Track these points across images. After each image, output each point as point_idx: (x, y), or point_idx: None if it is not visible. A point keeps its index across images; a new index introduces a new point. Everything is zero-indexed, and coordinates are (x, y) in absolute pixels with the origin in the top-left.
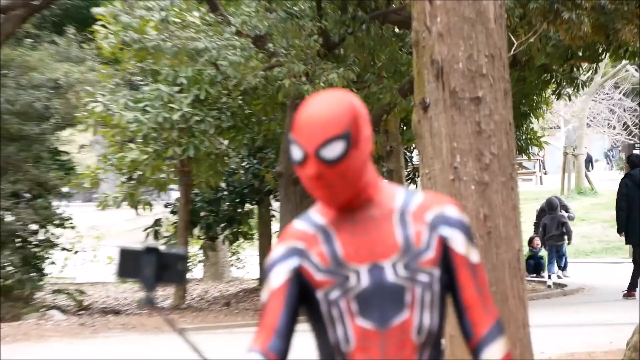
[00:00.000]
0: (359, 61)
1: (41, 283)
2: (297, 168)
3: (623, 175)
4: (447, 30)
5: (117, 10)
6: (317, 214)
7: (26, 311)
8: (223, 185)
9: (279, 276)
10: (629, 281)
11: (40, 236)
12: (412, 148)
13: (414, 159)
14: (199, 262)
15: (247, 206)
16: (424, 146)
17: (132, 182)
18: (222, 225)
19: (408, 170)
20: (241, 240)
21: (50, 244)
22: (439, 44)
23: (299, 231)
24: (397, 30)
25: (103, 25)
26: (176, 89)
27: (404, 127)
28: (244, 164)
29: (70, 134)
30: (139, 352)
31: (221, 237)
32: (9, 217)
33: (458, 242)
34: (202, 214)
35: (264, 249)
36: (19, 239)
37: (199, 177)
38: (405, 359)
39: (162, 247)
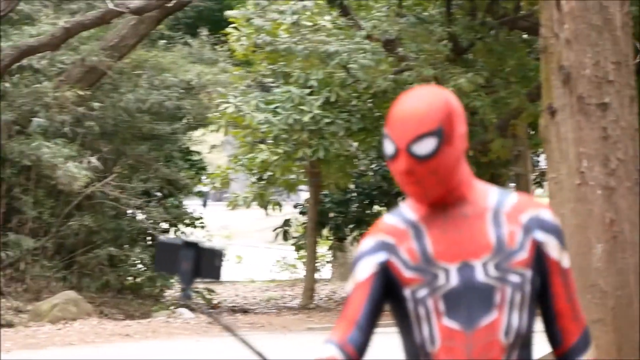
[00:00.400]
0: (487, 66)
1: (171, 281)
2: (389, 163)
3: None
4: (575, 37)
5: (250, 13)
6: (409, 209)
7: (156, 309)
8: (352, 186)
9: (366, 269)
10: None
11: (171, 235)
12: (539, 152)
13: (540, 163)
14: (327, 262)
15: (376, 208)
16: (551, 150)
17: (262, 182)
18: (351, 226)
19: (535, 174)
20: None
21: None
22: (566, 50)
23: (390, 226)
24: (525, 36)
25: (236, 28)
26: (307, 91)
27: (532, 132)
28: (373, 165)
29: (202, 134)
30: (265, 351)
31: (349, 238)
32: (140, 216)
33: (553, 248)
34: (331, 215)
35: None
36: (150, 238)
37: (328, 179)
38: (494, 358)
39: (200, 242)
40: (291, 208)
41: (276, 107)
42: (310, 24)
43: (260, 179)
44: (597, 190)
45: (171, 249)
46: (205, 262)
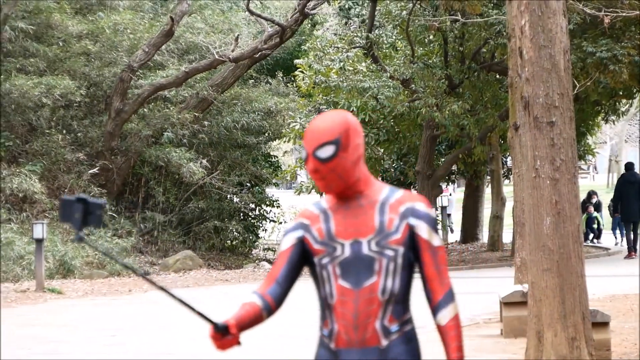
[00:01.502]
0: (472, 97)
1: (256, 243)
2: (305, 164)
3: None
4: (532, 76)
5: (311, 61)
6: (324, 201)
7: (246, 262)
8: (379, 178)
9: (287, 242)
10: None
11: (256, 212)
12: (507, 155)
13: (508, 163)
14: None
15: None
16: (515, 154)
17: None
18: None
19: (504, 170)
20: None
21: (263, 217)
22: (526, 85)
23: (308, 212)
24: (498, 76)
25: (301, 71)
26: (351, 112)
27: (502, 141)
28: (393, 165)
29: (278, 144)
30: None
31: None
32: (235, 199)
33: (422, 230)
34: None
35: None
36: (242, 214)
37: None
38: (372, 311)
39: (88, 198)
40: None
41: None
42: (351, 68)
43: None
44: (547, 181)
45: (68, 204)
46: (91, 213)
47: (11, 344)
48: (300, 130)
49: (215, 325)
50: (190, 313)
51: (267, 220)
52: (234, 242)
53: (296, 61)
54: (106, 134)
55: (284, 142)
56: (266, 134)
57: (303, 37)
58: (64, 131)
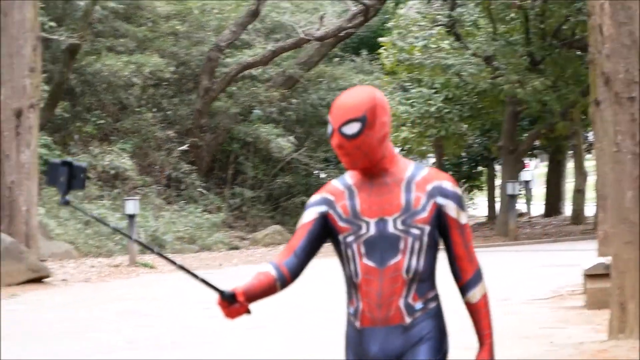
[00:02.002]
0: (553, 73)
1: None
2: (330, 140)
3: None
4: (612, 52)
5: (395, 39)
6: (349, 177)
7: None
8: (463, 154)
9: (309, 215)
10: None
11: None
12: (588, 130)
13: (589, 138)
14: None
15: (479, 168)
16: (597, 129)
17: (403, 152)
18: (463, 180)
19: (585, 145)
20: (475, 191)
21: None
22: (606, 61)
23: (333, 187)
24: (579, 52)
25: (385, 49)
26: (433, 91)
27: (583, 117)
28: (477, 140)
29: None
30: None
31: (462, 188)
32: (322, 175)
33: (451, 209)
34: (450, 173)
35: (491, 196)
36: None
37: (447, 149)
38: (396, 290)
39: (73, 161)
40: None
41: (412, 102)
42: (434, 46)
43: (402, 150)
44: (628, 155)
45: (54, 168)
46: (75, 177)
47: (109, 318)
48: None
49: (222, 293)
50: (195, 281)
51: None
52: None
53: (380, 39)
54: (195, 111)
55: None
56: None
57: (387, 16)
58: (154, 109)
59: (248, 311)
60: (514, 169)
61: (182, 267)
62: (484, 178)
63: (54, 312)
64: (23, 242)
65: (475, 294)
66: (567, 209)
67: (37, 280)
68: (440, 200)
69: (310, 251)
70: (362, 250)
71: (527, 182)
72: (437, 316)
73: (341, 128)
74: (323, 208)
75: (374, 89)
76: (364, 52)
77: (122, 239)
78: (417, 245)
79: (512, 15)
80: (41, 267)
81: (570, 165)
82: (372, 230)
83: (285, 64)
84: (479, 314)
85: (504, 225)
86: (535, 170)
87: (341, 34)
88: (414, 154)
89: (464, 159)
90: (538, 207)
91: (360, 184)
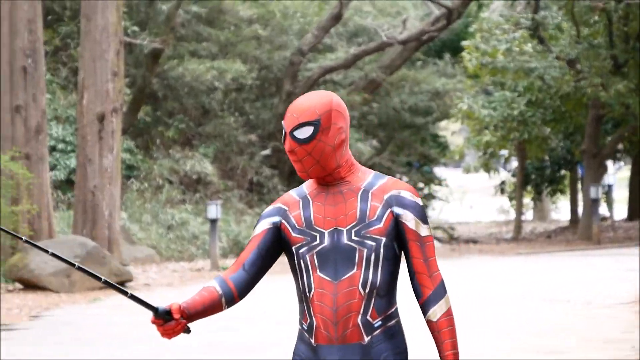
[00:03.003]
0: (636, 76)
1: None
2: (282, 143)
3: None
4: None
5: (478, 42)
6: (306, 186)
7: None
8: (546, 157)
9: (261, 227)
10: None
11: (425, 191)
12: None
13: None
14: (530, 208)
15: (562, 172)
16: None
17: (486, 155)
18: (545, 184)
19: None
20: (558, 194)
21: (432, 196)
22: None
23: (288, 196)
24: None
25: (468, 52)
26: (515, 94)
27: None
28: (560, 143)
29: (446, 124)
30: (488, 268)
31: (545, 192)
32: (404, 179)
33: (408, 220)
34: (532, 176)
35: (574, 199)
36: None
37: (530, 152)
38: (353, 306)
39: None
40: (505, 173)
41: (495, 105)
42: (517, 49)
43: (484, 153)
44: None
45: None
46: None
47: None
48: (468, 110)
49: (155, 310)
50: (129, 300)
51: (436, 199)
52: None
53: (463, 42)
54: (277, 115)
55: (452, 122)
56: (434, 115)
57: (470, 19)
58: (236, 113)
59: (187, 330)
60: (597, 173)
61: (108, 283)
62: (566, 182)
63: (135, 315)
64: (105, 246)
65: (435, 312)
66: None
67: (120, 284)
68: (397, 210)
69: (262, 265)
70: (316, 262)
71: (609, 186)
72: (398, 334)
73: (293, 131)
74: (276, 219)
75: (332, 93)
76: (447, 56)
77: (204, 243)
78: (372, 258)
79: (596, 18)
80: (123, 271)
81: None
82: (326, 241)
83: (368, 67)
84: (440, 334)
85: (586, 229)
86: (618, 173)
87: (424, 38)
88: (496, 157)
89: (546, 163)
90: (621, 210)
91: (316, 194)
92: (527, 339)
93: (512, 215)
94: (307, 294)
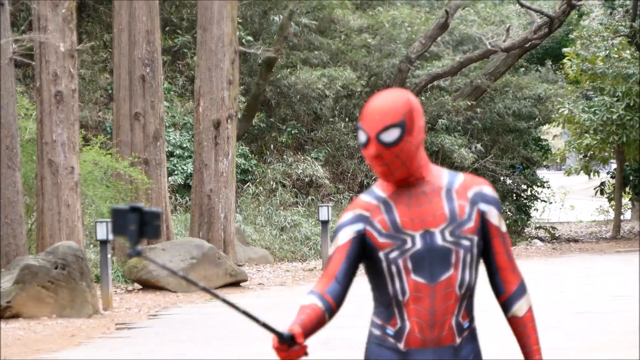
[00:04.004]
0: None
1: (529, 222)
2: (362, 149)
3: None
4: None
5: (578, 49)
6: (379, 190)
7: (518, 240)
8: None
9: (345, 235)
10: None
11: (528, 193)
12: None
13: None
14: (629, 208)
15: None
16: None
17: (586, 158)
18: None
19: None
20: None
21: (534, 198)
22: None
23: (365, 202)
24: None
25: (569, 59)
26: (614, 99)
27: None
28: None
29: (547, 128)
30: (587, 267)
31: None
32: (508, 181)
33: (493, 216)
34: (631, 177)
35: None
36: (514, 195)
37: (629, 155)
38: (449, 307)
39: (143, 207)
40: (605, 174)
41: (595, 110)
42: (616, 56)
43: (585, 156)
44: None
45: (120, 214)
46: (147, 224)
47: None
48: (569, 115)
49: (280, 336)
50: (253, 323)
51: (539, 200)
52: (507, 222)
53: (564, 50)
54: None
55: (554, 126)
56: (536, 119)
57: (570, 27)
58: (347, 119)
59: (306, 353)
60: None
61: (230, 304)
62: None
63: None
64: (221, 247)
65: (521, 307)
66: None
67: (235, 284)
68: (483, 206)
69: (351, 275)
70: (409, 265)
71: None
72: (477, 336)
73: (379, 135)
74: (359, 226)
75: (406, 91)
76: (549, 62)
77: (316, 244)
78: (468, 258)
79: None
80: (238, 271)
81: None
82: (419, 244)
83: (473, 74)
84: (526, 329)
85: None
86: None
87: (527, 45)
88: (596, 159)
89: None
90: None
91: (396, 196)
92: (623, 334)
93: (611, 215)
94: (400, 298)
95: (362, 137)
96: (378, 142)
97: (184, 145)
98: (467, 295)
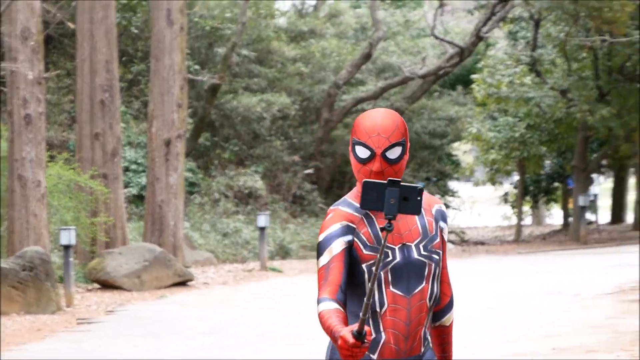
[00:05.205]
0: (618, 103)
1: None
2: (358, 165)
3: None
4: None
5: (485, 76)
6: (356, 203)
7: None
8: (542, 172)
9: (339, 245)
10: None
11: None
12: None
13: None
14: (529, 215)
15: (555, 184)
16: None
17: (492, 171)
18: (542, 194)
19: None
20: (552, 202)
21: (446, 206)
22: None
23: (349, 214)
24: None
25: (477, 84)
26: (517, 119)
27: None
28: (554, 160)
29: (458, 145)
30: (493, 267)
31: (541, 201)
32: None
33: (446, 233)
34: (530, 188)
35: (565, 207)
36: None
37: (529, 168)
38: (421, 319)
39: (401, 181)
40: (508, 185)
41: (499, 129)
42: (518, 81)
43: (491, 169)
44: None
45: (377, 188)
46: (407, 199)
47: (244, 316)
48: (477, 133)
49: (359, 334)
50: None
51: (450, 208)
52: None
53: (473, 76)
54: (317, 139)
55: (464, 143)
56: (448, 137)
57: (478, 56)
58: (282, 138)
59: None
60: (585, 184)
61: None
62: (559, 192)
63: (196, 310)
64: (171, 251)
65: (450, 318)
66: (630, 217)
67: (182, 283)
68: (442, 224)
69: (347, 283)
70: (389, 278)
71: (595, 195)
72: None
73: (385, 152)
74: (349, 237)
75: (393, 111)
76: (459, 87)
77: (255, 247)
78: (437, 271)
79: (584, 55)
80: (186, 272)
81: (632, 181)
82: (398, 257)
83: (393, 98)
84: (449, 337)
85: (575, 232)
86: (603, 184)
87: (440, 72)
88: (501, 172)
89: (542, 177)
90: (605, 216)
91: (376, 211)
92: (527, 326)
93: (514, 220)
94: (378, 310)
95: (363, 152)
96: (383, 159)
97: (139, 161)
98: (433, 306)
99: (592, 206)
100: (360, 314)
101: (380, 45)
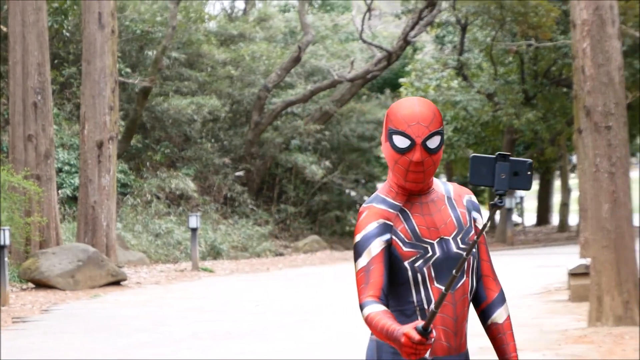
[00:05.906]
0: (544, 107)
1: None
2: (395, 155)
3: None
4: (592, 89)
5: (412, 79)
6: (390, 198)
7: None
8: (469, 174)
9: (377, 246)
10: None
11: None
12: (572, 154)
13: (573, 160)
14: None
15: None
16: (579, 153)
17: None
18: None
19: (570, 166)
20: (479, 204)
21: None
22: (587, 97)
23: (385, 211)
24: (565, 89)
25: (405, 88)
26: (444, 123)
27: (568, 143)
28: None
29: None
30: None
31: None
32: (352, 193)
33: (480, 224)
34: None
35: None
36: (358, 205)
37: (456, 170)
38: (465, 314)
39: (511, 155)
40: None
41: None
42: (445, 85)
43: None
44: (605, 174)
45: (485, 163)
46: (517, 174)
47: (176, 314)
48: None
49: (426, 330)
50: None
51: None
52: (351, 228)
53: (401, 80)
54: (247, 142)
55: None
56: (377, 140)
57: (406, 60)
58: (212, 140)
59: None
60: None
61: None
62: (486, 194)
63: (129, 309)
64: (104, 251)
65: (502, 314)
66: (555, 219)
67: (116, 283)
68: (475, 214)
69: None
70: (433, 274)
71: (521, 197)
72: None
73: (425, 141)
74: (387, 236)
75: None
76: (387, 91)
77: (187, 248)
78: (474, 264)
79: (510, 59)
80: (119, 272)
81: (557, 183)
82: (438, 252)
83: (322, 101)
84: (505, 336)
85: (502, 233)
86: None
87: (368, 76)
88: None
89: (468, 179)
90: (530, 218)
91: (410, 205)
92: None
93: None
94: (426, 307)
95: (402, 142)
96: (424, 148)
97: (72, 163)
98: (471, 300)
99: (518, 208)
100: (432, 307)
101: (309, 48)
